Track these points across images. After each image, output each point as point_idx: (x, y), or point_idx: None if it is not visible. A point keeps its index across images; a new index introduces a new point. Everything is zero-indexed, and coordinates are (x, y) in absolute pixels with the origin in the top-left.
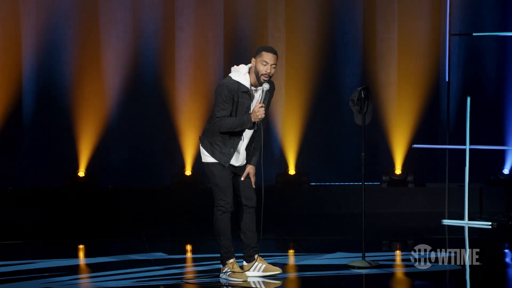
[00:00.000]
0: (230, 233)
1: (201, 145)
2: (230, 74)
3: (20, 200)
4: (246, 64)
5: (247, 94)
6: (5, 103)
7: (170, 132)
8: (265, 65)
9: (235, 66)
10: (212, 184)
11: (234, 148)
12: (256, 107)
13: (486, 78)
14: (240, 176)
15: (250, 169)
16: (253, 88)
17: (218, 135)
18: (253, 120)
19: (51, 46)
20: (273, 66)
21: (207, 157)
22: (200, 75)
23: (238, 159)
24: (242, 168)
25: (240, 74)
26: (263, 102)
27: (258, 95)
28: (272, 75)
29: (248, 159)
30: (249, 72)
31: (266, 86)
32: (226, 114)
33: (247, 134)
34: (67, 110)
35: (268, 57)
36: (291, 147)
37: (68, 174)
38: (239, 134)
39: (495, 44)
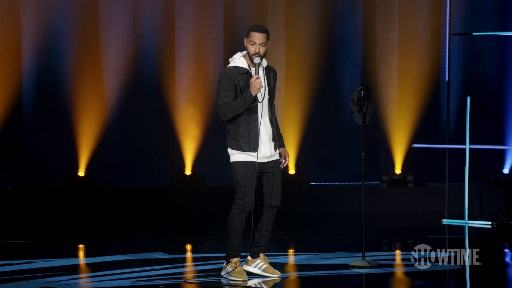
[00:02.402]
0: (241, 232)
1: (228, 147)
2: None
3: (20, 200)
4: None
5: (247, 75)
6: (5, 103)
7: (170, 132)
8: (253, 45)
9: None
10: (235, 183)
11: (256, 132)
12: (252, 79)
13: (486, 78)
14: (268, 173)
15: (283, 152)
16: (252, 69)
17: (238, 129)
18: (253, 93)
19: (51, 45)
20: (262, 44)
21: (234, 156)
22: (200, 75)
23: (266, 148)
24: (271, 164)
25: (236, 59)
26: (266, 81)
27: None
28: (264, 54)
29: (278, 145)
30: (244, 56)
31: (257, 59)
32: (229, 101)
33: (260, 117)
34: (67, 110)
35: (255, 36)
36: (291, 147)
37: (68, 174)
38: (253, 118)
39: (495, 43)
